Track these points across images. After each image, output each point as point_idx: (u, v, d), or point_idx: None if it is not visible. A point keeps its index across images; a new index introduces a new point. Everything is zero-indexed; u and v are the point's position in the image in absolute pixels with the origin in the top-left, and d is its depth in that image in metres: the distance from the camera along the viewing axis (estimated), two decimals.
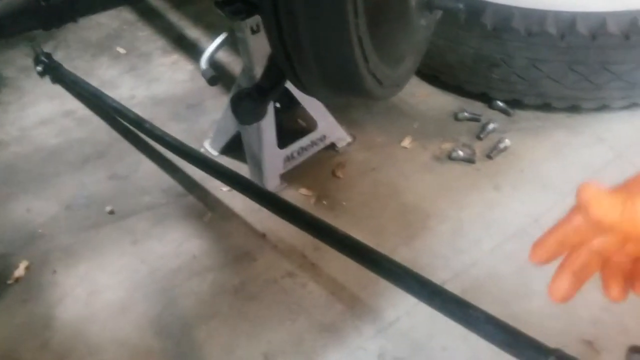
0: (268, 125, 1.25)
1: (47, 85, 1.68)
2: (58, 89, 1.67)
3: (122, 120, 1.51)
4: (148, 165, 1.45)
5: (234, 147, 1.41)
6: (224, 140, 1.43)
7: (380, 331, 1.03)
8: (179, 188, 1.37)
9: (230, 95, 1.33)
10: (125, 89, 1.72)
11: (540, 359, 0.61)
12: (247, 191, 1.19)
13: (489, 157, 1.37)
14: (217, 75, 1.24)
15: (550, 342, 0.78)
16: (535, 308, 1.03)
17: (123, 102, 1.49)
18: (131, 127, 1.49)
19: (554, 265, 0.49)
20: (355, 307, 1.08)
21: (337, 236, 0.98)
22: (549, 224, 1.33)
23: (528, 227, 1.19)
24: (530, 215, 1.22)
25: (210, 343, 1.04)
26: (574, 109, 1.45)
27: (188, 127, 1.56)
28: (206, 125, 1.56)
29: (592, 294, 0.49)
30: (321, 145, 1.40)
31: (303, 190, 1.34)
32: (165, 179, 1.40)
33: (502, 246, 1.17)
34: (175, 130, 1.46)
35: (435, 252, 1.16)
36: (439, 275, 1.09)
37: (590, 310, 1.02)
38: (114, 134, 1.55)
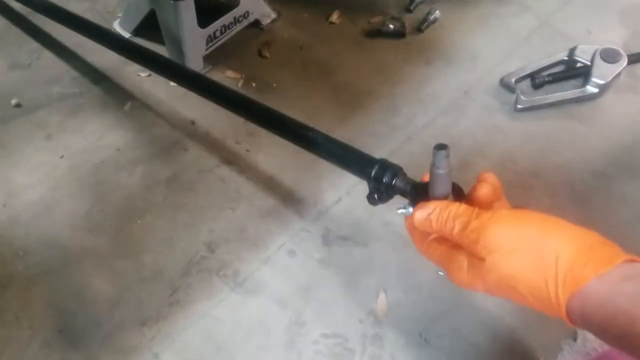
0: (186, 1, 1.13)
1: None
2: None
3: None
4: (51, 53, 1.30)
5: (148, 27, 1.28)
6: (136, 19, 1.30)
7: (323, 212, 1.03)
8: (92, 75, 1.25)
9: None
10: None
11: (369, 168, 0.66)
12: (170, 73, 1.06)
13: (419, 30, 1.33)
14: None
15: None
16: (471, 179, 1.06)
17: None
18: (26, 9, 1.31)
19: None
20: (296, 190, 1.06)
21: (271, 114, 0.91)
22: (479, 95, 1.35)
23: (459, 100, 1.20)
24: (461, 87, 1.22)
25: (149, 237, 1.00)
26: None
27: (91, 6, 1.40)
28: (112, 2, 1.41)
29: None
30: (245, 23, 1.30)
31: (229, 73, 1.26)
32: (74, 66, 1.27)
33: (435, 121, 1.17)
34: (76, 10, 1.29)
35: (371, 131, 1.15)
36: (376, 154, 1.08)
37: None
38: (3, 21, 1.36)
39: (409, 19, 1.35)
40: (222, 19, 1.24)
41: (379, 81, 1.23)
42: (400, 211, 0.62)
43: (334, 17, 1.36)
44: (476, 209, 0.56)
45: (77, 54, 1.29)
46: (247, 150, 1.12)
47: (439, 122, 1.16)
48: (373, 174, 0.66)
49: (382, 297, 0.93)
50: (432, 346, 0.88)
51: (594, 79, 1.15)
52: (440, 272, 0.99)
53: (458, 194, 0.60)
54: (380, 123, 1.17)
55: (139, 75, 1.24)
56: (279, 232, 1.01)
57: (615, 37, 1.29)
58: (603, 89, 1.16)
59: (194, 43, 1.21)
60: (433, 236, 0.62)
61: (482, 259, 0.54)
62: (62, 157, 1.11)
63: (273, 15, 1.36)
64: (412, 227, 0.63)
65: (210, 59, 1.26)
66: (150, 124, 1.16)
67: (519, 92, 1.17)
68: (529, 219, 0.54)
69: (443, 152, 0.55)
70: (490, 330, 0.89)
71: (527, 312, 0.92)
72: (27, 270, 0.96)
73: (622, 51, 1.17)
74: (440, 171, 0.57)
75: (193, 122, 1.16)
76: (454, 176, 0.59)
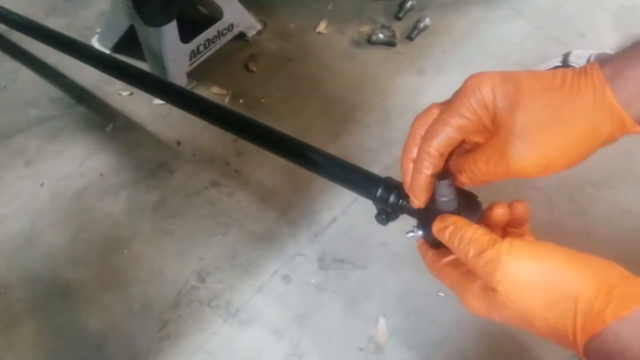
0: None
1: None
2: None
3: None
4: (27, 74, 1.24)
5: (128, 43, 1.23)
6: (115, 35, 1.25)
7: (318, 234, 0.99)
8: (71, 96, 1.20)
9: None
10: None
11: (374, 188, 0.65)
12: (154, 88, 1.00)
13: (409, 38, 1.29)
14: None
15: None
16: None
17: None
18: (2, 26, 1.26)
19: None
20: (289, 212, 1.02)
21: (262, 130, 0.86)
22: None
23: None
24: None
25: (136, 267, 0.96)
26: None
27: (69, 23, 1.35)
28: (91, 18, 1.36)
29: None
30: (229, 36, 1.25)
31: (215, 89, 1.21)
32: (52, 88, 1.22)
33: None
34: (54, 26, 1.24)
35: (365, 146, 1.11)
36: (371, 170, 1.05)
37: None
38: None
39: (399, 27, 1.31)
40: (205, 32, 1.20)
41: (371, 94, 1.19)
42: (409, 235, 0.61)
43: (322, 27, 1.32)
44: (493, 236, 0.54)
45: (55, 74, 1.24)
46: (237, 171, 1.08)
47: None
48: (378, 194, 0.65)
49: (382, 322, 0.89)
50: None
51: None
52: (441, 294, 0.96)
53: (472, 206, 0.59)
54: (373, 137, 1.13)
55: (120, 94, 1.19)
56: (273, 257, 0.97)
57: (608, 41, 1.27)
58: None
59: (177, 59, 1.17)
60: (446, 260, 0.59)
61: (498, 291, 0.52)
62: (42, 184, 1.06)
63: (258, 27, 1.31)
64: (423, 249, 0.62)
65: (195, 74, 1.22)
66: (134, 146, 1.12)
67: None
68: (549, 253, 0.51)
69: (445, 182, 0.55)
70: (495, 354, 0.86)
71: (530, 335, 0.90)
72: (9, 308, 0.92)
73: None
74: (445, 199, 0.56)
75: (179, 143, 1.12)
76: (475, 189, 0.58)
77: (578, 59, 1.17)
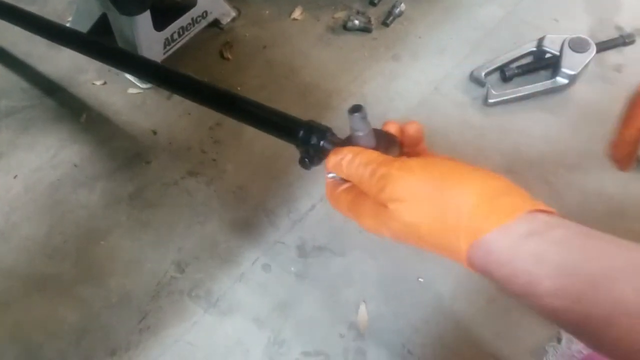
0: None
1: None
2: None
3: None
4: None
5: (100, 31, 1.21)
6: (87, 23, 1.22)
7: (297, 222, 0.99)
8: (43, 86, 1.17)
9: None
10: None
11: (296, 130, 0.65)
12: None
13: (385, 24, 1.29)
14: None
15: None
16: None
17: None
18: None
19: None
20: (267, 200, 1.02)
21: (189, 81, 0.81)
22: (449, 91, 1.32)
23: (430, 96, 1.17)
24: (430, 83, 1.19)
25: (113, 259, 0.95)
26: None
27: (39, 10, 1.32)
28: (61, 5, 1.33)
29: None
30: (204, 23, 1.24)
31: None
32: (24, 77, 1.19)
33: (406, 119, 1.13)
34: None
35: (342, 132, 1.11)
36: None
37: None
38: None
39: (374, 13, 1.31)
40: (179, 20, 1.18)
41: (347, 80, 1.19)
42: (330, 175, 0.61)
43: (297, 13, 1.31)
44: (389, 157, 0.56)
45: (26, 64, 1.21)
46: (214, 160, 1.07)
47: (411, 119, 1.13)
48: (300, 136, 0.65)
49: (362, 309, 0.90)
50: (416, 357, 0.85)
51: (563, 70, 1.13)
52: (420, 279, 0.97)
53: (390, 144, 0.60)
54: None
55: (93, 84, 1.17)
56: (252, 245, 0.96)
57: (581, 26, 1.28)
58: (573, 79, 1.14)
59: (151, 47, 1.15)
60: (344, 187, 0.61)
61: (387, 207, 0.53)
62: (15, 177, 1.04)
63: (233, 14, 1.30)
64: (329, 183, 0.63)
65: (169, 63, 1.20)
66: (108, 136, 1.10)
67: (489, 86, 1.14)
68: (436, 167, 0.53)
69: (358, 114, 0.55)
70: (473, 337, 0.87)
71: (510, 318, 0.91)
72: None
73: (590, 40, 1.16)
74: (360, 133, 0.57)
75: (154, 132, 1.11)
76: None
77: (552, 43, 1.18)
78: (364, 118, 0.55)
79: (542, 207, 0.50)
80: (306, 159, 0.65)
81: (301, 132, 0.64)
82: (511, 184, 0.52)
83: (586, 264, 0.44)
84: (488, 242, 0.48)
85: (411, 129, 0.63)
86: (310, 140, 0.64)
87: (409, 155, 0.60)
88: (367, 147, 0.57)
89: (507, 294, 0.49)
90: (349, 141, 0.59)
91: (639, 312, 0.41)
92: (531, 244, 0.46)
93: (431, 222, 0.50)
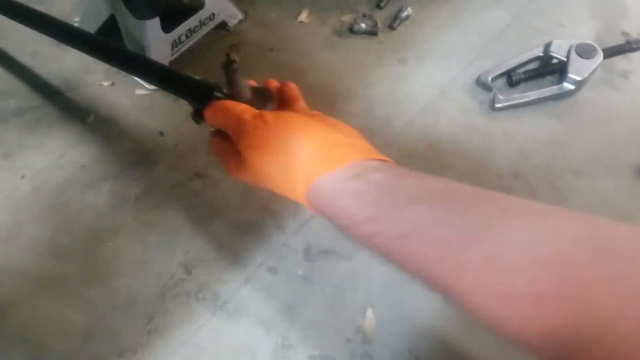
0: None
1: None
2: None
3: None
4: (4, 63, 1.21)
5: (109, 32, 1.21)
6: (95, 24, 1.22)
7: (303, 225, 0.99)
8: (50, 86, 1.17)
9: None
10: None
11: (186, 87, 0.72)
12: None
13: (391, 27, 1.29)
14: None
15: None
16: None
17: None
18: None
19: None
20: (273, 202, 1.02)
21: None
22: (455, 95, 1.32)
23: (436, 100, 1.17)
24: (437, 87, 1.19)
25: (120, 260, 0.95)
26: None
27: (46, 10, 1.31)
28: (68, 6, 1.33)
29: None
30: (211, 25, 1.24)
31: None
32: (31, 77, 1.19)
33: (412, 123, 1.14)
34: None
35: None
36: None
37: None
38: None
39: (381, 16, 1.31)
40: (187, 22, 1.18)
41: (353, 83, 1.19)
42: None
43: (303, 16, 1.31)
44: (253, 110, 0.64)
45: (33, 64, 1.21)
46: (219, 161, 1.07)
47: (417, 124, 1.13)
48: (190, 91, 0.71)
49: (370, 313, 0.90)
50: None
51: (570, 76, 1.14)
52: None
53: (266, 99, 0.70)
54: (356, 126, 1.12)
55: (101, 84, 1.17)
56: (258, 248, 0.97)
57: (588, 31, 1.28)
58: (580, 85, 1.14)
59: (159, 49, 1.15)
60: (218, 135, 0.70)
61: (242, 154, 0.62)
62: (23, 177, 1.04)
63: (240, 16, 1.30)
64: (211, 133, 0.73)
65: (176, 65, 1.20)
66: (115, 137, 1.10)
67: (496, 91, 1.15)
68: (287, 120, 0.61)
69: (230, 68, 0.65)
70: (481, 342, 0.87)
71: None
72: None
73: (597, 46, 1.16)
74: (236, 89, 0.67)
75: (161, 134, 1.11)
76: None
77: (559, 48, 1.18)
78: (236, 71, 0.64)
79: (377, 157, 0.58)
80: (197, 114, 0.71)
81: (192, 87, 0.71)
82: (354, 139, 0.62)
83: (395, 195, 0.52)
84: (319, 185, 0.55)
85: (287, 88, 0.74)
86: (200, 95, 0.70)
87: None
88: (242, 102, 0.65)
89: (338, 228, 0.58)
90: (229, 96, 0.67)
91: (436, 227, 0.48)
92: (354, 184, 0.54)
93: (278, 169, 0.58)
